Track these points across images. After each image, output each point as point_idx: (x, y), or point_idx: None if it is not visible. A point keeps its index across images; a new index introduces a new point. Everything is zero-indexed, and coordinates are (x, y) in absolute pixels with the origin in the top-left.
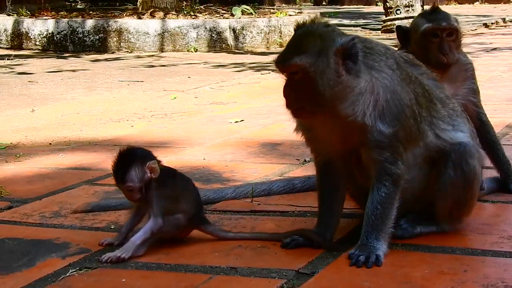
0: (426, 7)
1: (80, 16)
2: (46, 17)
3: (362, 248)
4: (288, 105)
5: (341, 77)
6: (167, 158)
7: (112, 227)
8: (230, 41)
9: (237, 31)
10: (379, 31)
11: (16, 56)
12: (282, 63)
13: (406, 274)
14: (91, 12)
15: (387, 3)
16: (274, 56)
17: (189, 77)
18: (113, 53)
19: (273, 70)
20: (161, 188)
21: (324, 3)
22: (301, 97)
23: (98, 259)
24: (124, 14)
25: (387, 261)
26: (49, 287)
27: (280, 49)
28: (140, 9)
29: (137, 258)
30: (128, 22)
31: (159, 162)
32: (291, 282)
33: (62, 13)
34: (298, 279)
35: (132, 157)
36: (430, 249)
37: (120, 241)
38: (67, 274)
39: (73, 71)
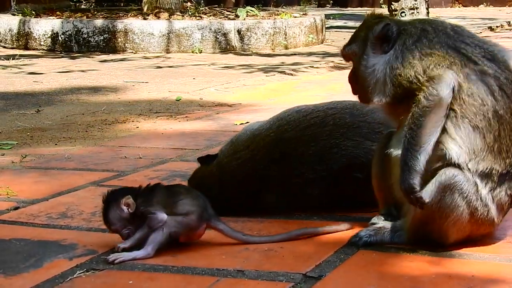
0: (431, 10)
1: (85, 17)
2: (51, 17)
3: None
4: (352, 92)
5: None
6: (172, 160)
7: None
8: (235, 42)
9: (242, 33)
10: None
11: (21, 56)
12: (341, 52)
13: (414, 278)
14: (95, 13)
15: (392, 6)
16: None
17: (194, 78)
18: (118, 53)
19: (279, 72)
20: (146, 201)
21: (328, 5)
22: (357, 84)
23: (106, 259)
24: (129, 15)
25: (394, 265)
26: None
27: (285, 51)
28: (145, 9)
29: (144, 260)
30: (133, 23)
31: (138, 190)
32: (298, 285)
33: (66, 13)
34: (305, 282)
35: (107, 202)
36: (437, 253)
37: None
38: (75, 276)
39: (81, 71)
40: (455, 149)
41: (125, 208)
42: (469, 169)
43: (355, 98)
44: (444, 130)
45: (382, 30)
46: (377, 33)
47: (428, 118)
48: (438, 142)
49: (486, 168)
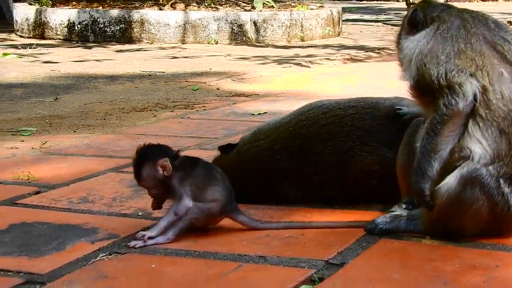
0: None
1: (101, 7)
2: (67, 7)
3: None
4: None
5: None
6: (190, 149)
7: (140, 214)
8: (251, 34)
9: (258, 24)
10: None
11: (38, 45)
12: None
13: (437, 267)
14: (112, 3)
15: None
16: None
17: (210, 68)
18: (134, 43)
19: (295, 64)
20: (181, 177)
21: None
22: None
23: (127, 245)
24: (145, 5)
25: (417, 254)
26: (79, 271)
27: (301, 43)
28: (161, 0)
29: (166, 244)
30: (149, 13)
31: (176, 155)
32: (320, 272)
33: (83, 3)
34: (327, 269)
35: (143, 156)
36: (460, 243)
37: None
38: (97, 259)
39: (97, 60)
40: (479, 152)
41: (160, 169)
42: (493, 168)
43: (379, 92)
44: (469, 133)
45: (411, 15)
46: (407, 18)
47: (445, 126)
48: (462, 145)
49: (507, 174)
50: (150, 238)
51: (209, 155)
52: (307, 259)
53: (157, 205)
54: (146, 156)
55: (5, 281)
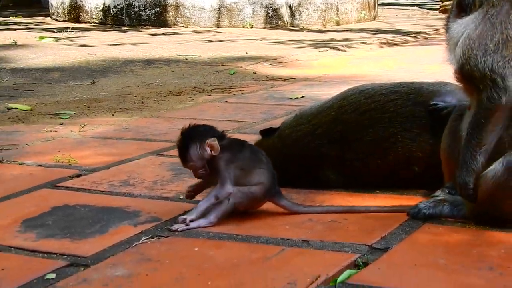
0: None
1: None
2: None
3: None
4: None
5: None
6: (229, 132)
7: (181, 197)
8: (286, 18)
9: (293, 8)
10: (437, 11)
11: (73, 28)
12: None
13: (482, 253)
14: None
15: None
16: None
17: (246, 52)
18: (169, 27)
19: (331, 48)
20: (228, 159)
21: None
22: None
23: (169, 228)
24: None
25: (462, 239)
26: (122, 254)
27: (336, 27)
28: None
29: (208, 228)
30: None
31: (222, 136)
32: (365, 256)
33: None
34: (371, 254)
35: (190, 136)
36: (505, 229)
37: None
38: (140, 242)
39: (132, 44)
40: None
41: (208, 149)
42: None
43: (416, 76)
44: None
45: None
46: (456, 0)
47: (489, 121)
48: (510, 133)
49: None
50: (191, 221)
51: (248, 139)
52: (351, 243)
53: (191, 194)
54: (194, 135)
55: (49, 263)
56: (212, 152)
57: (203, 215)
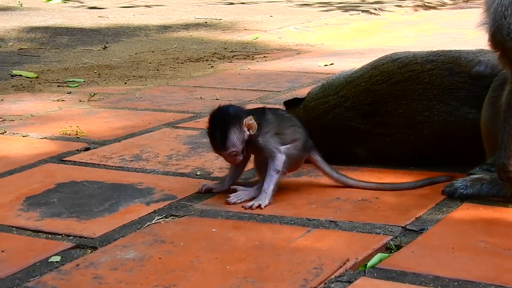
0: None
1: None
2: None
3: None
4: None
5: None
6: (252, 102)
7: (198, 174)
8: None
9: None
10: None
11: None
12: None
13: None
14: None
15: None
16: None
17: (271, 16)
18: None
19: (363, 11)
20: (263, 131)
21: None
22: None
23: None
24: None
25: (503, 220)
26: (134, 235)
27: None
28: None
29: (227, 207)
30: None
31: (249, 112)
32: (398, 239)
33: None
34: (405, 236)
35: (227, 119)
36: None
37: (220, 191)
38: (153, 222)
39: (147, 6)
40: None
41: (246, 129)
42: None
43: (458, 43)
44: None
45: None
46: None
47: None
48: None
49: None
50: (259, 207)
51: None
52: (383, 224)
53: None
54: (230, 118)
55: (54, 244)
56: (250, 131)
57: (273, 195)
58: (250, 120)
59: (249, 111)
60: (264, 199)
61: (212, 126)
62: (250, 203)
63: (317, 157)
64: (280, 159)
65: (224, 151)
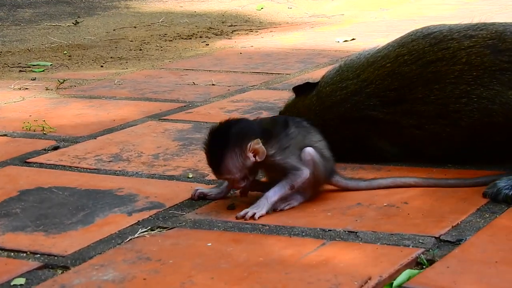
0: None
1: None
2: None
3: None
4: None
5: None
6: (255, 88)
7: (190, 176)
8: None
9: None
10: None
11: None
12: None
13: None
14: None
15: None
16: None
17: None
18: None
19: None
20: (283, 149)
21: None
22: None
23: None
24: None
25: None
26: (113, 251)
27: None
28: None
29: (226, 217)
30: None
31: (263, 131)
32: (430, 252)
33: None
34: (439, 248)
35: (227, 141)
36: None
37: (216, 197)
38: (136, 235)
39: None
40: None
41: (251, 155)
42: None
43: (509, 11)
44: None
45: None
46: None
47: None
48: None
49: None
50: (251, 217)
51: (280, 97)
52: (413, 234)
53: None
54: (231, 140)
55: (17, 264)
56: (257, 157)
57: (273, 208)
58: (256, 145)
59: (264, 127)
60: (262, 207)
61: (209, 144)
62: (243, 212)
63: (338, 178)
64: (304, 175)
65: (218, 175)
